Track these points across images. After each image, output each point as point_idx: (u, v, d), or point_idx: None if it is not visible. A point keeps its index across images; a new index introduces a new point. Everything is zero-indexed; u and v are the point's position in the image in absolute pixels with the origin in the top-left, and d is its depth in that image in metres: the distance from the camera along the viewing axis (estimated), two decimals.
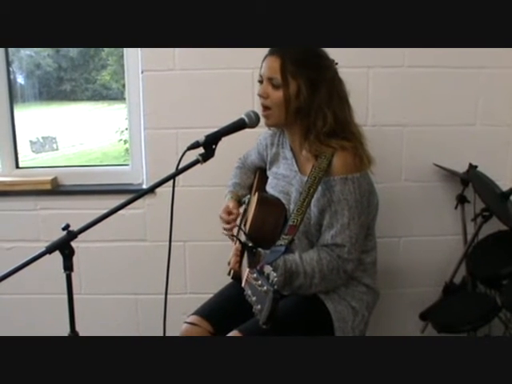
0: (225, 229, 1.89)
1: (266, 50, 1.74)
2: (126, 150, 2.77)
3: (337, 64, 1.74)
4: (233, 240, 1.89)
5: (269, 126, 1.78)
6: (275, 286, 1.21)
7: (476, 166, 2.31)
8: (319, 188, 1.64)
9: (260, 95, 1.73)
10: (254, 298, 1.25)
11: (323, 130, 1.67)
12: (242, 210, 2.00)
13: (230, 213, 1.89)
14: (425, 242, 2.49)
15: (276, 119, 1.73)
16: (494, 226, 2.23)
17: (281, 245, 1.53)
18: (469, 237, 2.34)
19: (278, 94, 1.68)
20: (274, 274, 1.23)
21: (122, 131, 2.84)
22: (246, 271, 1.35)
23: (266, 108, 1.72)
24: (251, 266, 1.36)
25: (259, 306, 1.22)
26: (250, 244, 1.51)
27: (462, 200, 2.36)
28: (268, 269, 1.27)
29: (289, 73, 1.66)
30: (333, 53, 1.75)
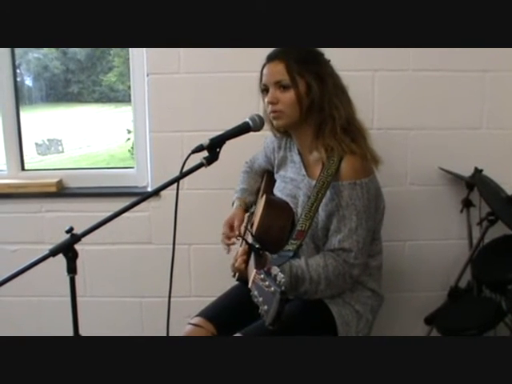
0: (223, 240, 1.90)
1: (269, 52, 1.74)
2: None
3: (329, 61, 1.75)
4: (228, 250, 1.90)
5: (280, 126, 1.76)
6: (282, 287, 1.20)
7: (481, 170, 2.30)
8: (327, 192, 1.63)
9: (270, 102, 1.70)
10: (260, 299, 1.24)
11: (340, 121, 1.67)
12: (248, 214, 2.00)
13: (232, 228, 1.89)
14: (430, 246, 2.48)
15: (289, 119, 1.71)
16: (500, 230, 2.22)
17: (289, 250, 1.53)
18: (474, 241, 2.33)
19: (289, 95, 1.67)
20: (282, 275, 1.22)
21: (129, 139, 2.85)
22: (252, 272, 1.34)
23: (277, 112, 1.70)
24: (258, 267, 1.36)
25: (266, 307, 1.21)
26: (257, 246, 1.51)
27: (467, 204, 2.35)
28: (275, 270, 1.26)
29: (295, 72, 1.66)
30: (338, 56, 1.75)
